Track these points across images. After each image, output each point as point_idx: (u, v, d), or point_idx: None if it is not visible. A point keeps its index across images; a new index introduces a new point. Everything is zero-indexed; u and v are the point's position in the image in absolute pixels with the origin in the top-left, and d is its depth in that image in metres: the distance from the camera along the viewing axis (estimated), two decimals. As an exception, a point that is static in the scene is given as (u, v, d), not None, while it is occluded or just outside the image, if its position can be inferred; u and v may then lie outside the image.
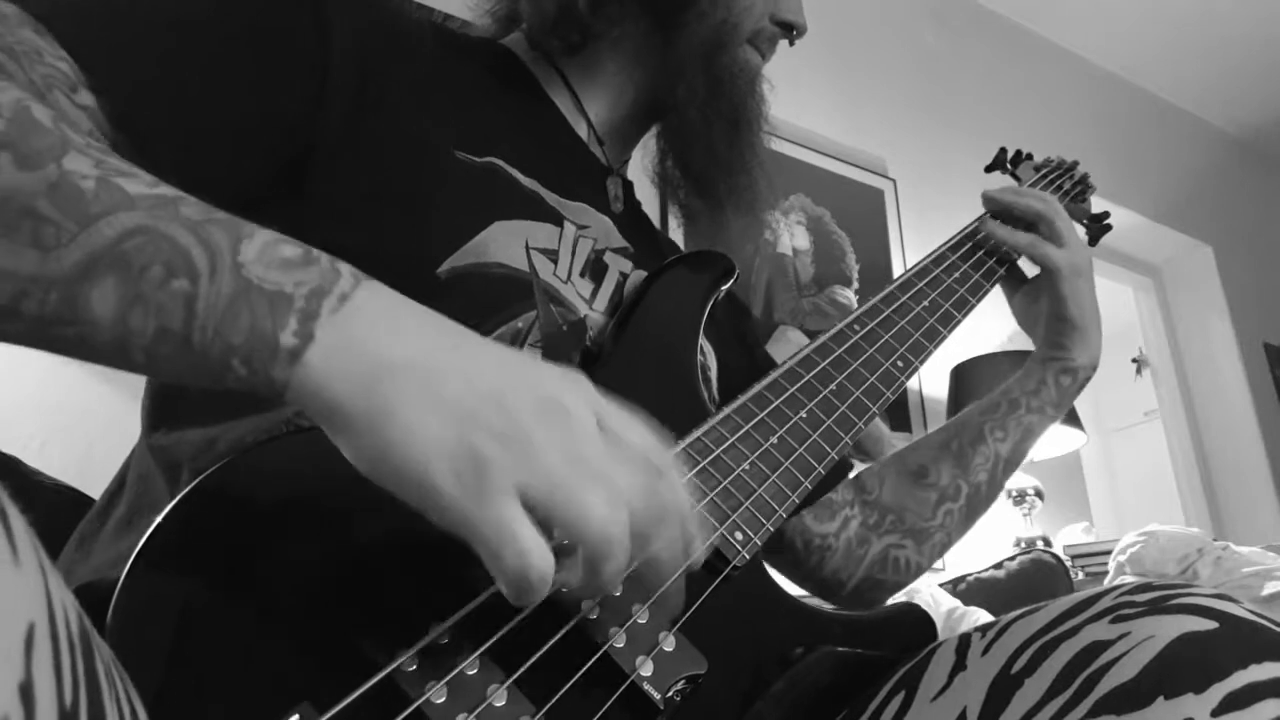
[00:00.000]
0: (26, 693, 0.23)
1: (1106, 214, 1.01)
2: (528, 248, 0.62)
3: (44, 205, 0.34)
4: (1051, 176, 0.98)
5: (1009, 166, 1.01)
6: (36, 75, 0.43)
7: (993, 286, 0.84)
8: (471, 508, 0.35)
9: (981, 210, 0.91)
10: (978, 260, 0.84)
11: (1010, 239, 0.84)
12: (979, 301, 0.82)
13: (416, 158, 0.60)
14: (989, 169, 1.02)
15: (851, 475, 0.84)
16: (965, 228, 0.88)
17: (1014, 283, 0.88)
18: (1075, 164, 1.01)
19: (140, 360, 0.36)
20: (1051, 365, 0.82)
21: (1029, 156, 1.02)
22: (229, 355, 0.35)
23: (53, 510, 0.68)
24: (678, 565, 0.42)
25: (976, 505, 0.80)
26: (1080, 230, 0.99)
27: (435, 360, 0.37)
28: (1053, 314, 0.82)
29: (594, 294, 0.67)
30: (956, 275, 0.81)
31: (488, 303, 0.59)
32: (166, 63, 0.51)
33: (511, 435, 0.36)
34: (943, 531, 0.79)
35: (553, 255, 0.64)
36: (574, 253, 0.66)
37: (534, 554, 0.35)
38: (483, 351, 0.39)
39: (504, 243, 0.61)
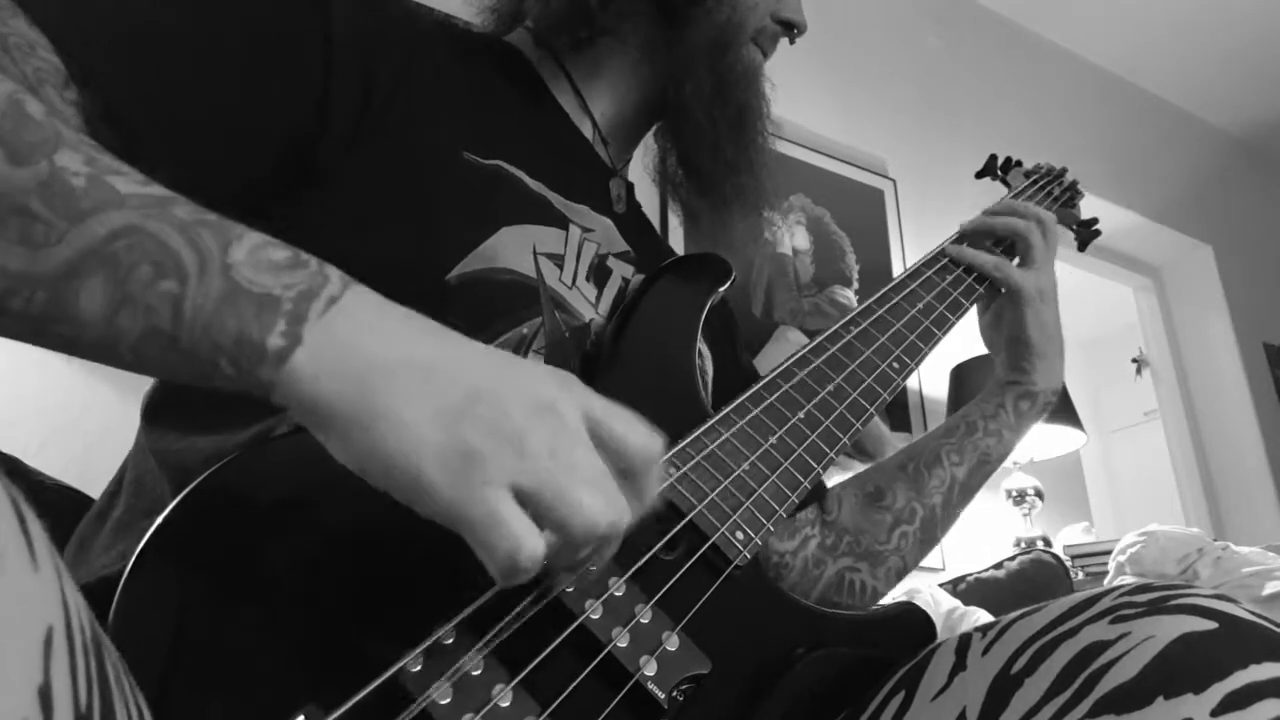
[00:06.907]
0: (45, 695, 0.23)
1: (1095, 220, 1.02)
2: (535, 253, 0.62)
3: (34, 203, 0.34)
4: (1041, 183, 0.99)
5: (999, 173, 1.02)
6: (29, 69, 0.42)
7: (985, 290, 0.84)
8: (462, 499, 0.35)
9: (979, 210, 0.91)
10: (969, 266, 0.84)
11: (974, 260, 0.82)
12: (972, 304, 0.82)
13: (425, 160, 0.60)
14: (979, 175, 1.03)
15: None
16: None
17: (990, 297, 0.86)
18: (1064, 170, 1.02)
19: (128, 358, 0.36)
20: (1011, 389, 0.82)
21: (1018, 163, 1.03)
22: (216, 355, 0.35)
23: (53, 511, 0.68)
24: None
25: (932, 529, 0.79)
26: (1070, 236, 1.00)
27: (425, 360, 0.37)
28: (1013, 337, 0.81)
29: (598, 299, 0.67)
30: (951, 278, 0.82)
31: (495, 308, 0.59)
32: (162, 60, 0.50)
33: (503, 431, 0.36)
34: (897, 555, 0.77)
35: (558, 260, 0.64)
36: (579, 257, 0.66)
37: (524, 539, 0.35)
38: (471, 352, 0.39)
39: (513, 248, 0.61)
